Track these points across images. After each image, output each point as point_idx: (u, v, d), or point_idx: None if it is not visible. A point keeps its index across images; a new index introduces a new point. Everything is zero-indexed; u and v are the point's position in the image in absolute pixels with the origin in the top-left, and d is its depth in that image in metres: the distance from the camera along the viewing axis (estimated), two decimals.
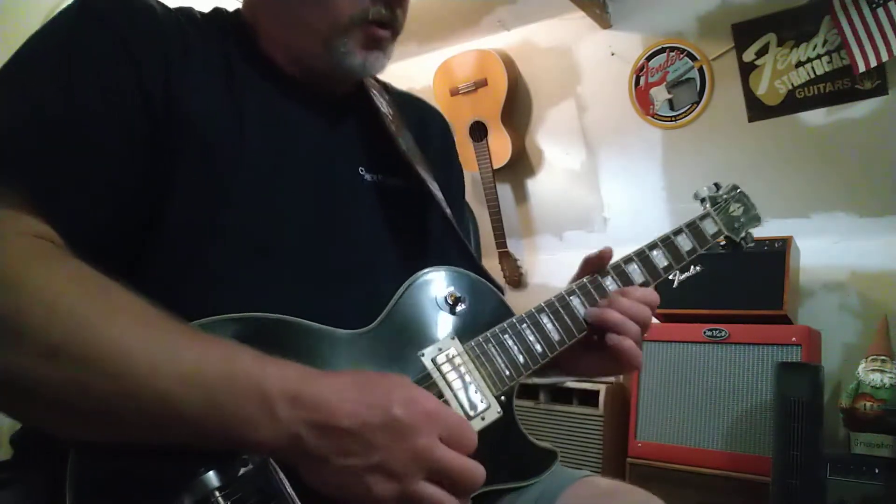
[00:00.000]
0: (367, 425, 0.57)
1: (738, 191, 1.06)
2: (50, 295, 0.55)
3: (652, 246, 0.92)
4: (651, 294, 0.86)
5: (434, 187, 0.88)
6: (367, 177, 0.84)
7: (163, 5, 0.74)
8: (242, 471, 0.57)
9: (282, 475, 0.58)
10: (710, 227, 0.99)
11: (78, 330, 0.54)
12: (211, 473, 0.56)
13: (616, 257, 0.90)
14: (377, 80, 0.95)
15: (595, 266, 0.88)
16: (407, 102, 0.99)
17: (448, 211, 0.89)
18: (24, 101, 0.63)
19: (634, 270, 0.90)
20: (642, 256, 0.91)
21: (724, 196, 1.05)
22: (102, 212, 0.65)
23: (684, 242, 0.95)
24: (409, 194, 0.87)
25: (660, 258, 0.92)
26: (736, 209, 1.04)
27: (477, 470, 0.61)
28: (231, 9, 0.84)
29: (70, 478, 0.55)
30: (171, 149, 0.68)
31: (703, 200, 1.04)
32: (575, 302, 0.84)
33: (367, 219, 0.82)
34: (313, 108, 0.82)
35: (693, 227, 0.97)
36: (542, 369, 0.83)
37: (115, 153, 0.65)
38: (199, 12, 0.80)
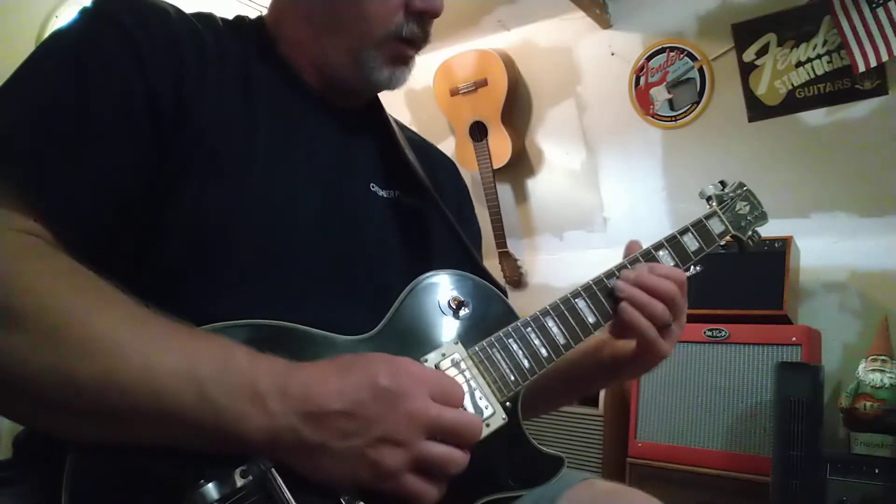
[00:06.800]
0: (357, 402, 0.58)
1: (745, 188, 1.04)
2: (42, 288, 0.55)
3: (658, 246, 0.91)
4: (675, 271, 0.86)
5: (444, 205, 0.88)
6: (380, 192, 0.84)
7: (178, 10, 0.73)
8: (242, 482, 0.56)
9: (282, 485, 0.57)
10: (716, 227, 0.97)
11: (70, 322, 0.54)
12: (210, 485, 0.55)
13: (616, 257, 0.90)
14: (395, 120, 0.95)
15: (635, 250, 0.90)
16: (420, 145, 0.98)
17: (458, 227, 0.88)
18: (26, 100, 0.63)
19: None
20: (648, 257, 0.89)
21: (731, 194, 1.03)
22: (98, 213, 0.63)
23: (690, 242, 0.93)
24: (419, 211, 0.87)
25: (666, 259, 0.91)
26: (742, 207, 1.02)
27: (474, 420, 0.65)
28: (253, 16, 0.84)
29: (66, 483, 0.55)
30: (180, 154, 0.67)
31: (709, 199, 1.02)
32: (580, 304, 0.83)
33: (377, 233, 0.82)
34: (329, 121, 0.81)
35: (699, 227, 0.96)
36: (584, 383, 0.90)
37: (115, 155, 0.64)
38: (221, 18, 0.80)
